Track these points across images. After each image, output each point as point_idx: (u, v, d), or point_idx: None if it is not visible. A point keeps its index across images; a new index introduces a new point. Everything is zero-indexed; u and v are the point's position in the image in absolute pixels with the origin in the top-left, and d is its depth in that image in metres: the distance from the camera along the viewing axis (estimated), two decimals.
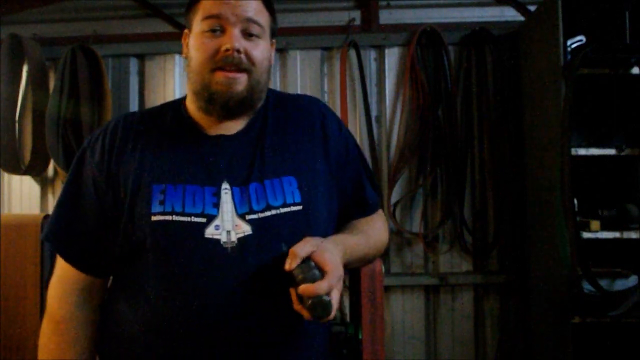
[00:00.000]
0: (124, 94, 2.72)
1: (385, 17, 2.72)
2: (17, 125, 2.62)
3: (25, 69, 2.59)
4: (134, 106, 2.73)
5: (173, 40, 2.71)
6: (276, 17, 1.17)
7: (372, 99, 2.69)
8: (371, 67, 2.71)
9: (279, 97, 1.23)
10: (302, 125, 1.18)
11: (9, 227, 1.96)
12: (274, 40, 1.18)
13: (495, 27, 2.63)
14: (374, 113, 2.68)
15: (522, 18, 2.64)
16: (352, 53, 2.65)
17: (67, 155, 2.54)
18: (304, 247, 0.97)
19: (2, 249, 1.91)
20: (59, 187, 2.70)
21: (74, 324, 1.11)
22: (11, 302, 1.90)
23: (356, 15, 2.72)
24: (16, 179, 2.72)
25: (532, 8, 2.56)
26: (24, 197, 2.73)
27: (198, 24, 1.10)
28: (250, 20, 1.08)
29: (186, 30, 1.16)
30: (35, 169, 2.61)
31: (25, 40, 2.55)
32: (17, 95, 2.61)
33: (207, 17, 1.08)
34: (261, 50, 1.10)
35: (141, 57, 2.75)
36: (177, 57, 2.72)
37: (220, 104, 1.08)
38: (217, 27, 1.07)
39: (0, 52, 2.53)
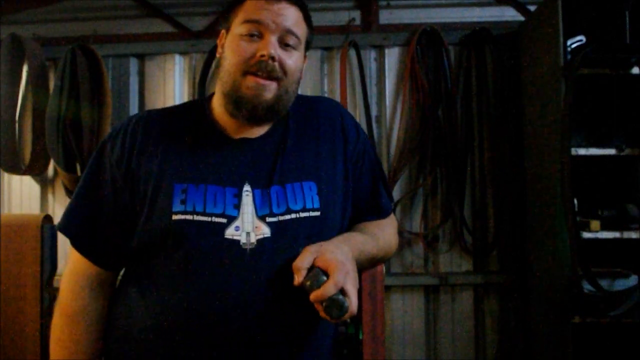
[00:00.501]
0: (124, 94, 2.72)
1: (385, 17, 2.72)
2: (17, 125, 2.62)
3: (25, 69, 2.59)
4: (134, 106, 2.73)
5: (173, 40, 2.71)
6: (313, 31, 1.17)
7: (372, 99, 2.69)
8: (371, 67, 2.71)
9: (300, 100, 1.23)
10: (323, 129, 1.19)
11: (9, 227, 1.96)
12: (306, 55, 1.18)
13: (495, 27, 2.62)
14: (374, 113, 2.68)
15: (522, 18, 2.64)
16: (352, 53, 2.65)
17: (67, 155, 2.54)
18: (304, 259, 0.98)
19: (2, 249, 1.91)
20: (59, 187, 2.69)
21: (86, 317, 1.12)
22: (11, 302, 1.90)
23: (356, 15, 2.72)
24: (16, 179, 2.72)
25: (532, 8, 2.56)
26: (24, 197, 2.73)
27: (237, 27, 1.10)
28: (288, 31, 1.08)
29: (223, 31, 1.16)
30: (35, 169, 2.61)
31: (25, 40, 2.56)
32: (17, 95, 2.62)
33: (247, 21, 1.08)
34: (295, 60, 1.11)
35: (141, 57, 2.75)
36: (177, 57, 2.72)
37: (249, 110, 1.08)
38: (256, 32, 1.07)
39: (0, 52, 2.53)
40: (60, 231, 1.14)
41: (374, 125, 2.66)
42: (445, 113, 2.59)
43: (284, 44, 1.09)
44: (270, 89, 1.08)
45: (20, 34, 2.57)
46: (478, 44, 2.63)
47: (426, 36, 2.63)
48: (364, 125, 2.64)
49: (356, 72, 2.66)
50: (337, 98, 2.61)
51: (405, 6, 2.72)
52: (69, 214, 1.14)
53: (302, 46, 1.14)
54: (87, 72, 2.55)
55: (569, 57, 2.06)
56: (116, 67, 2.73)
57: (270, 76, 1.07)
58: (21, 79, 2.61)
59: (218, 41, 1.17)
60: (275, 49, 1.07)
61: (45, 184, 2.73)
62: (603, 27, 2.08)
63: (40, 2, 2.68)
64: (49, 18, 2.74)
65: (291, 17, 1.09)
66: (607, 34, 2.06)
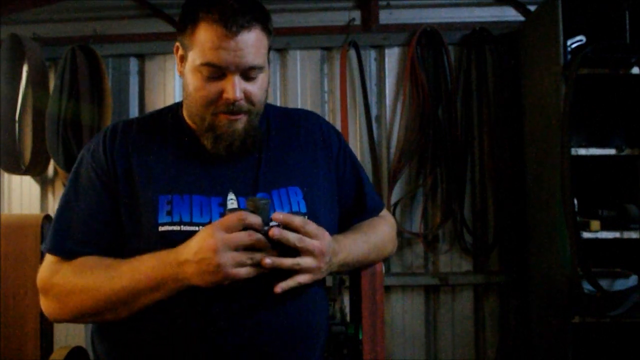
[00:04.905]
0: (124, 94, 2.72)
1: (385, 17, 2.72)
2: (17, 125, 2.62)
3: (25, 69, 2.58)
4: (133, 106, 2.73)
5: (173, 40, 2.69)
6: (272, 30, 1.10)
7: (372, 99, 2.69)
8: (371, 67, 2.70)
9: (279, 111, 1.25)
10: (303, 139, 1.20)
11: (9, 227, 1.95)
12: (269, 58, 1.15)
13: (495, 27, 2.62)
14: (374, 113, 2.68)
15: (522, 18, 2.64)
16: (352, 53, 2.65)
17: (67, 155, 2.53)
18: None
19: (2, 249, 1.91)
20: (59, 187, 2.69)
21: (88, 262, 1.06)
22: (11, 302, 1.90)
23: (356, 15, 2.71)
24: (16, 179, 2.72)
25: (532, 8, 2.56)
26: (24, 197, 2.73)
27: (196, 59, 1.04)
28: (250, 68, 1.05)
29: (178, 45, 1.12)
30: (35, 169, 2.61)
31: (25, 40, 2.55)
32: (17, 95, 2.61)
33: (207, 64, 1.03)
34: (260, 86, 1.08)
35: (141, 57, 2.75)
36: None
37: (225, 147, 1.08)
38: (216, 74, 1.04)
39: (0, 52, 2.53)
40: (50, 253, 1.08)
41: (374, 125, 2.66)
42: (445, 113, 2.59)
43: (247, 77, 1.06)
44: (240, 121, 1.08)
45: (20, 34, 2.56)
46: (478, 44, 2.63)
47: (426, 36, 2.63)
48: (364, 125, 2.64)
49: (356, 72, 2.65)
50: (337, 98, 2.61)
51: (405, 6, 2.72)
52: (54, 233, 1.09)
53: (266, 61, 1.09)
54: (87, 72, 2.54)
55: (569, 57, 2.06)
56: (116, 67, 2.72)
57: (239, 112, 1.06)
58: (21, 79, 2.60)
59: (175, 53, 1.14)
60: (240, 91, 1.04)
61: (45, 184, 2.73)
62: (603, 27, 2.08)
63: (40, 2, 2.67)
64: (49, 18, 2.74)
65: (251, 48, 1.03)
66: (607, 34, 2.06)
